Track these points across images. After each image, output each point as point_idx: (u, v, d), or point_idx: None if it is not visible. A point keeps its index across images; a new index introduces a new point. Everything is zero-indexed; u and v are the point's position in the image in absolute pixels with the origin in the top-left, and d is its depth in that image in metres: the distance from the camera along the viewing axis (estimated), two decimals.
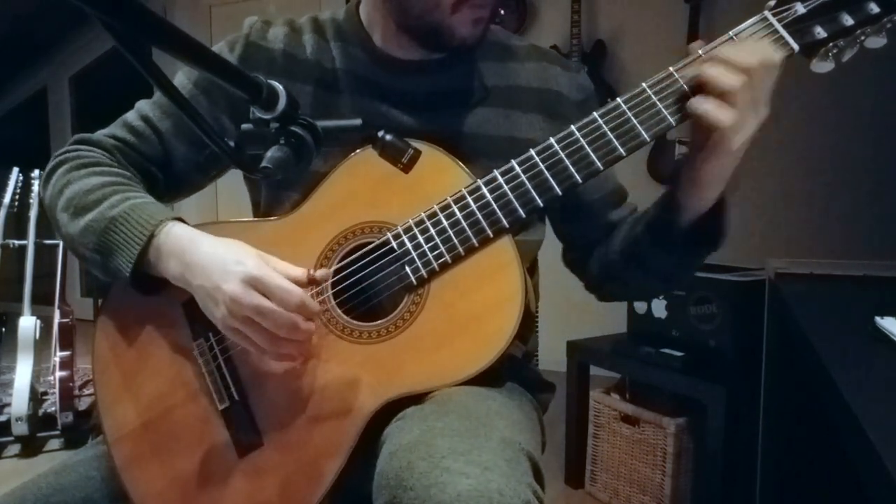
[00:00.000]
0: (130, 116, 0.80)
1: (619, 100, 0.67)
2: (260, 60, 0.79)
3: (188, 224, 0.71)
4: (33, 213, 2.34)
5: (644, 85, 0.67)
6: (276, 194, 0.80)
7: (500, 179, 0.68)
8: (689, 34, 2.58)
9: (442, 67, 0.79)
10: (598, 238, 0.84)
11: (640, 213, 0.79)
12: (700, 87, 0.63)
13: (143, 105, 0.81)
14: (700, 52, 0.66)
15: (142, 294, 0.72)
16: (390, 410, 0.67)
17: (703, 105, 0.62)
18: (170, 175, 0.81)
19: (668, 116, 0.66)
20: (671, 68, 0.67)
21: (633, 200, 0.87)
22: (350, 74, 0.79)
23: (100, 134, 0.80)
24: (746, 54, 0.61)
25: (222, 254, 0.66)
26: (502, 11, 2.88)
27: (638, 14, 2.79)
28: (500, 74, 0.81)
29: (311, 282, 0.67)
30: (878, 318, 0.85)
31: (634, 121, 0.67)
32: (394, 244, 0.69)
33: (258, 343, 0.64)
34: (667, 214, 0.72)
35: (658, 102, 0.66)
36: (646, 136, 0.67)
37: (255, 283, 0.63)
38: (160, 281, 0.70)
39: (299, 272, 0.66)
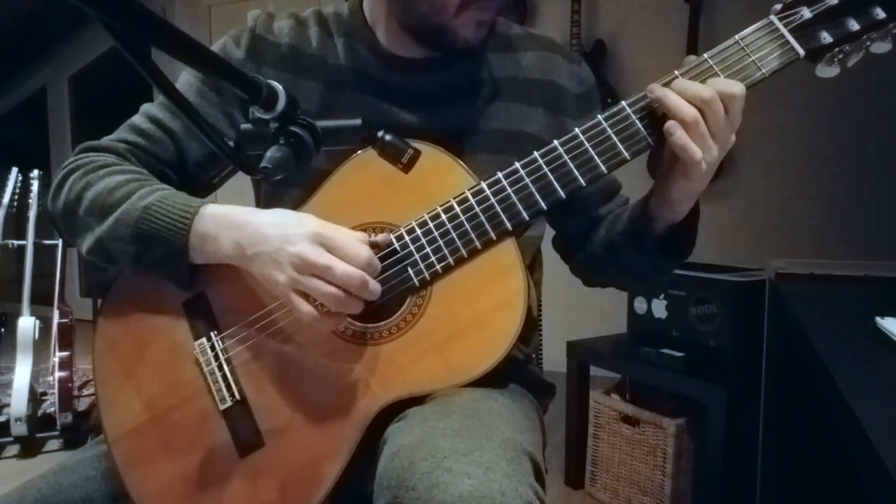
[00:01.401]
0: (138, 120, 0.79)
1: (623, 103, 0.67)
2: (267, 54, 0.78)
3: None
4: (32, 214, 2.34)
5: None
6: (276, 193, 0.79)
7: (504, 181, 0.68)
8: (690, 34, 2.58)
9: (446, 65, 0.79)
10: (585, 230, 0.85)
11: (623, 210, 0.80)
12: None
13: (149, 108, 0.80)
14: (679, 71, 0.66)
15: (183, 288, 0.71)
16: (391, 411, 0.67)
17: (678, 132, 0.63)
18: (185, 176, 0.80)
19: None
20: (677, 72, 0.67)
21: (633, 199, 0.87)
22: (355, 71, 0.79)
23: (107, 140, 0.78)
24: (699, 87, 0.63)
25: (282, 220, 0.65)
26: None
27: (638, 14, 2.79)
28: (501, 66, 0.81)
29: (372, 246, 0.66)
30: (878, 319, 0.85)
31: (639, 124, 0.67)
32: (396, 245, 0.69)
33: (326, 302, 0.62)
34: (641, 221, 0.74)
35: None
36: (650, 139, 0.67)
37: (322, 241, 0.62)
38: (194, 270, 0.70)
39: (360, 235, 0.65)
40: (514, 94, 0.80)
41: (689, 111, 0.62)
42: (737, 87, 0.63)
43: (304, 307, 0.63)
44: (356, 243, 0.63)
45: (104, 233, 0.70)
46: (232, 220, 0.67)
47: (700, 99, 0.62)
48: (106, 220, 0.69)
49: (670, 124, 0.63)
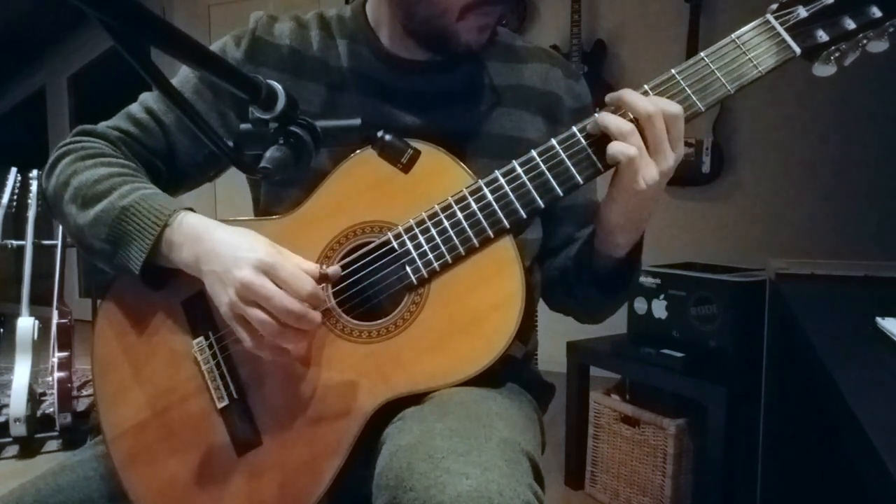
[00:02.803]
0: (134, 109, 0.80)
1: None
2: (267, 56, 0.79)
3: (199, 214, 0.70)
4: (31, 214, 2.34)
5: (646, 87, 0.67)
6: (276, 193, 0.79)
7: (502, 180, 0.68)
8: (690, 34, 2.58)
9: (448, 68, 0.79)
10: (553, 247, 0.85)
11: (579, 241, 0.81)
12: None
13: (147, 97, 0.81)
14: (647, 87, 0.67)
15: (150, 288, 0.71)
16: (390, 411, 0.67)
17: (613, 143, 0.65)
18: (173, 169, 0.81)
19: None
20: (673, 70, 0.67)
21: None
22: (356, 73, 0.79)
23: (103, 125, 0.79)
24: (645, 102, 0.64)
25: (236, 241, 0.65)
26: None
27: (638, 14, 2.79)
28: (505, 74, 0.81)
29: (322, 279, 0.66)
30: (878, 319, 0.85)
31: (636, 122, 0.66)
32: (394, 244, 0.69)
33: (263, 331, 0.62)
34: (586, 251, 0.76)
35: None
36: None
37: (267, 270, 0.62)
38: (166, 274, 0.70)
39: (311, 266, 0.66)
40: (516, 102, 0.80)
41: (626, 124, 0.64)
42: (675, 107, 0.64)
43: (243, 335, 0.64)
44: (301, 276, 0.63)
45: (85, 225, 0.71)
46: (197, 233, 0.67)
47: (643, 113, 0.63)
48: (86, 212, 0.71)
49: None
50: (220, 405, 0.69)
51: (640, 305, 1.80)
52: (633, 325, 1.84)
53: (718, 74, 0.66)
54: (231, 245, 0.65)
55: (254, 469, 0.68)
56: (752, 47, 0.66)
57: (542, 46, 0.86)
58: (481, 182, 0.69)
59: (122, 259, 0.69)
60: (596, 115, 0.67)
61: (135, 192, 0.70)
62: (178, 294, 0.72)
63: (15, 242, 2.40)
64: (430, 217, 0.69)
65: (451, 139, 0.73)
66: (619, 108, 0.66)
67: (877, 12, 0.65)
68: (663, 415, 1.66)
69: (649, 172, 0.64)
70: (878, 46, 0.67)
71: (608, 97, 0.67)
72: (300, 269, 0.64)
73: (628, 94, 0.65)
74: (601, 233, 0.72)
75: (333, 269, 0.68)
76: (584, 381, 1.88)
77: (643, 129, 0.64)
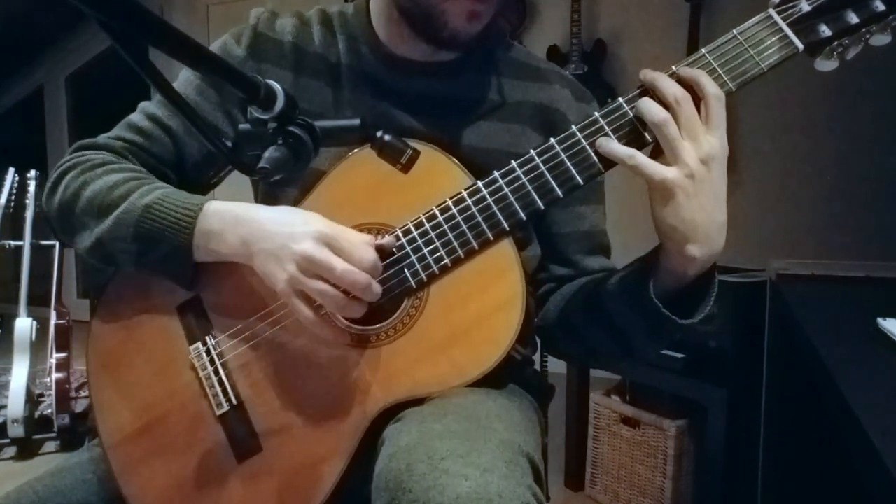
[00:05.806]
0: (136, 118, 0.79)
1: (620, 100, 0.67)
2: (268, 51, 0.78)
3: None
4: (29, 214, 2.33)
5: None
6: (274, 193, 0.79)
7: (501, 181, 0.68)
8: (690, 34, 2.58)
9: (450, 73, 0.78)
10: (559, 275, 0.82)
11: (617, 270, 0.74)
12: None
13: (148, 105, 0.79)
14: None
15: (183, 286, 0.70)
16: (389, 412, 0.66)
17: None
18: (184, 175, 0.79)
19: None
20: (674, 67, 0.66)
21: (634, 199, 0.86)
22: (355, 71, 0.78)
23: (104, 137, 0.77)
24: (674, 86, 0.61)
25: (287, 217, 0.65)
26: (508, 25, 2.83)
27: (638, 14, 2.79)
28: (512, 90, 0.80)
29: (378, 250, 0.65)
30: (879, 320, 0.85)
31: (637, 121, 0.66)
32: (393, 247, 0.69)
33: (326, 304, 0.62)
34: (646, 271, 0.67)
35: None
36: (648, 135, 0.66)
37: (328, 241, 0.62)
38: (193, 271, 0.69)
39: (366, 238, 0.65)
40: (518, 118, 0.79)
41: (659, 111, 0.61)
42: (712, 87, 0.61)
43: (305, 311, 0.63)
44: (362, 245, 0.62)
45: (104, 232, 0.69)
46: (237, 217, 0.66)
47: (673, 97, 0.61)
48: (105, 219, 0.69)
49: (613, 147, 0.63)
50: (218, 412, 0.69)
51: None
52: None
53: (720, 71, 0.65)
54: (282, 222, 0.64)
55: (254, 475, 0.68)
56: (755, 43, 0.65)
57: (562, 71, 0.84)
58: (480, 183, 0.68)
59: (155, 258, 0.67)
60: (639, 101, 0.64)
61: (155, 191, 0.69)
62: (173, 298, 0.72)
63: (13, 243, 2.39)
64: (429, 219, 0.68)
65: (445, 148, 0.72)
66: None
67: (880, 6, 0.64)
68: (663, 416, 1.66)
69: (683, 166, 0.60)
70: (880, 40, 0.66)
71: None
72: (360, 238, 0.63)
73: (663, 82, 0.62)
74: (666, 258, 0.65)
75: (388, 239, 0.67)
76: (584, 382, 1.88)
77: (675, 116, 0.60)
